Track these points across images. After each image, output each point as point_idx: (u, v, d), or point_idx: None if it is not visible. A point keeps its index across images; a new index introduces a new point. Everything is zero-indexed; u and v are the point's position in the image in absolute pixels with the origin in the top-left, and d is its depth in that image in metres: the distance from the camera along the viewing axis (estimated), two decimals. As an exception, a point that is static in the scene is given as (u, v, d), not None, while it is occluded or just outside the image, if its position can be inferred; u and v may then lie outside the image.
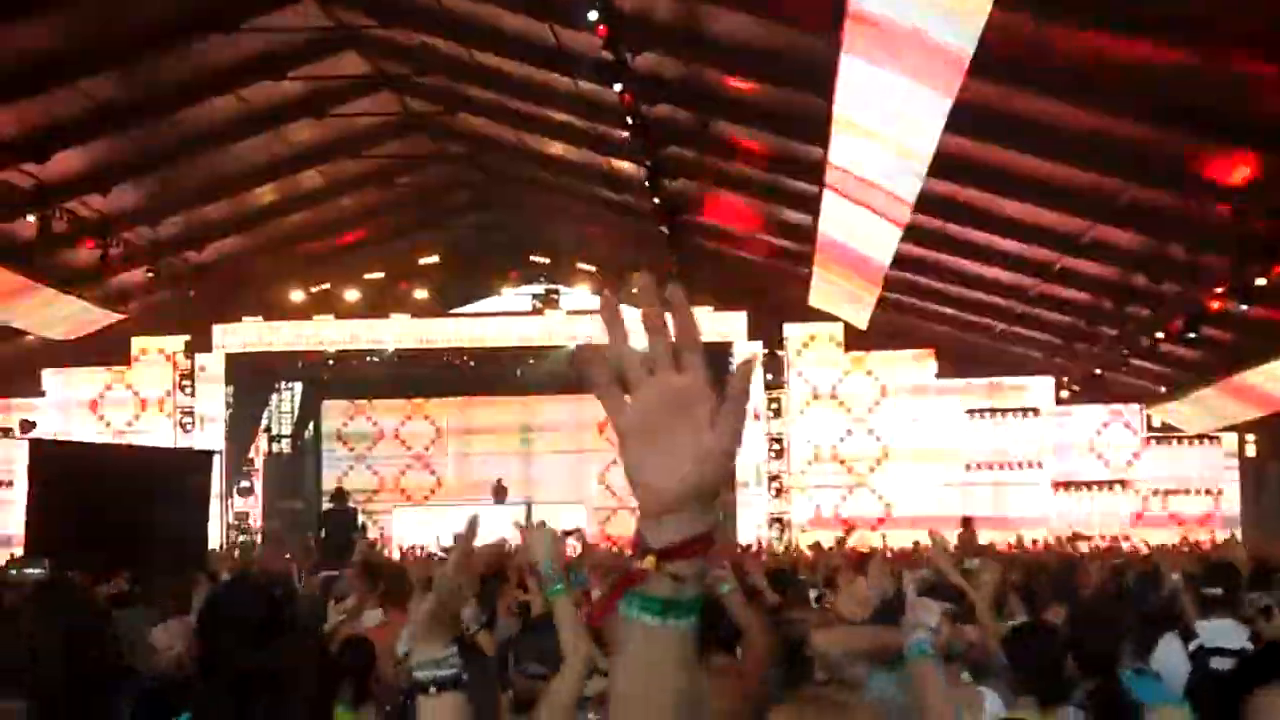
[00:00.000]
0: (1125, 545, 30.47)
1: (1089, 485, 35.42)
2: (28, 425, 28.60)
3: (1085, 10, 16.56)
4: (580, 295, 38.91)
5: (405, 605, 9.45)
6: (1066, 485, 35.41)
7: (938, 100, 18.55)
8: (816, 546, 25.27)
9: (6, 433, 32.70)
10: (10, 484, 28.59)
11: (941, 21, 16.45)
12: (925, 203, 23.37)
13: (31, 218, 27.18)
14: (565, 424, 39.45)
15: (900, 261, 27.66)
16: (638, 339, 1.85)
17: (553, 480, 39.09)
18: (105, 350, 35.80)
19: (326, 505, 33.10)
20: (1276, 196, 19.68)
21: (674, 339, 1.87)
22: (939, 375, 35.81)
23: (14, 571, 17.97)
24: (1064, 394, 35.40)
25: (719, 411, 1.82)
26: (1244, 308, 23.73)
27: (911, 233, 25.34)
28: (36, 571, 15.95)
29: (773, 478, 36.23)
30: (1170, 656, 8.29)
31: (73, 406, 36.04)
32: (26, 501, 20.37)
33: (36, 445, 21.59)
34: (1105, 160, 20.71)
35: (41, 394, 36.16)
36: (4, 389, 35.36)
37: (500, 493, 36.45)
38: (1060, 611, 9.61)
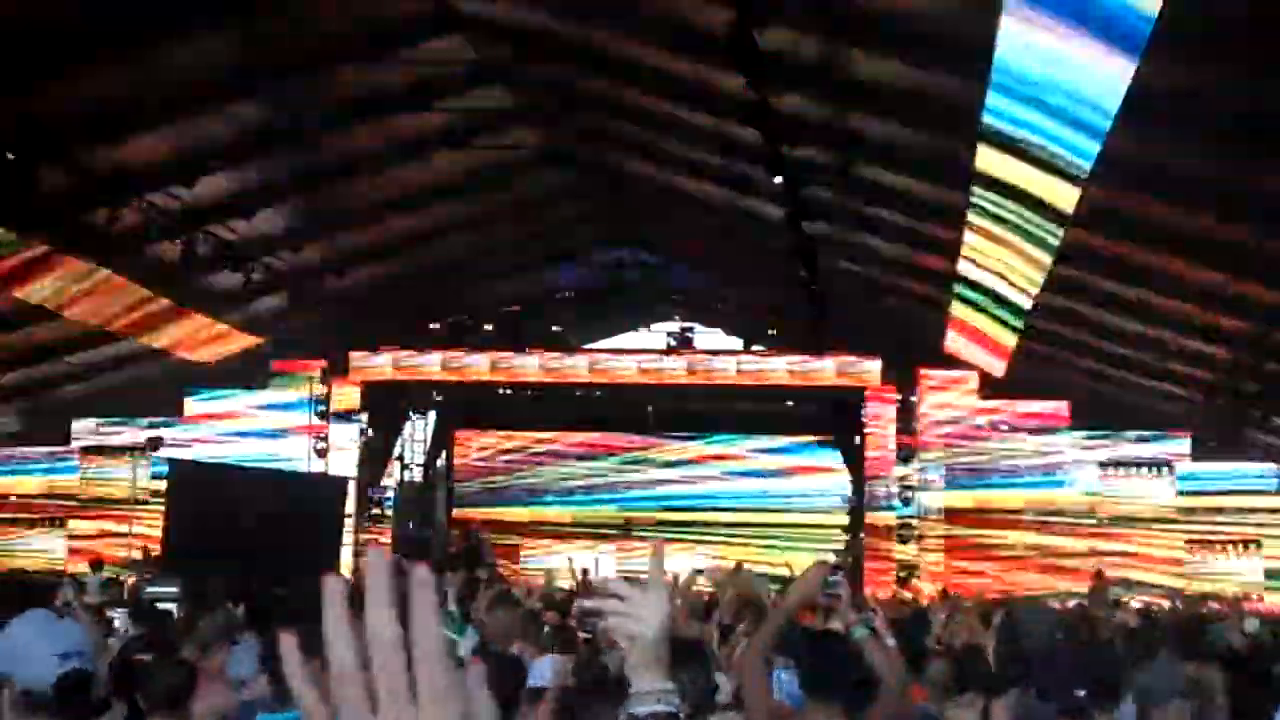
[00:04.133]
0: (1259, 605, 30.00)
1: (1223, 544, 34.86)
2: (156, 443, 28.92)
3: (1238, 60, 16.37)
4: (717, 336, 38.96)
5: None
6: (1200, 543, 34.87)
7: (1083, 149, 18.43)
8: (943, 594, 25.13)
9: (141, 451, 33.07)
10: (145, 502, 28.92)
11: (1089, 72, 16.36)
12: (1066, 253, 23.19)
13: (176, 241, 27.60)
14: (695, 462, 39.43)
15: (1038, 310, 27.47)
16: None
17: (677, 518, 39.01)
18: (244, 374, 36.27)
19: (456, 535, 33.38)
20: None
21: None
22: (1073, 427, 35.42)
23: (149, 589, 18.23)
24: (1199, 449, 34.91)
25: None
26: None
27: (1051, 282, 25.16)
28: (170, 590, 16.14)
29: (903, 524, 35.97)
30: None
31: (211, 428, 36.40)
32: (163, 520, 20.64)
33: (175, 466, 21.85)
34: (1249, 214, 20.47)
35: (181, 415, 36.61)
36: (145, 409, 35.76)
37: (629, 530, 36.54)
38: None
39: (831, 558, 31.20)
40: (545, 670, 8.13)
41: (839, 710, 6.63)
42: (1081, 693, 5.92)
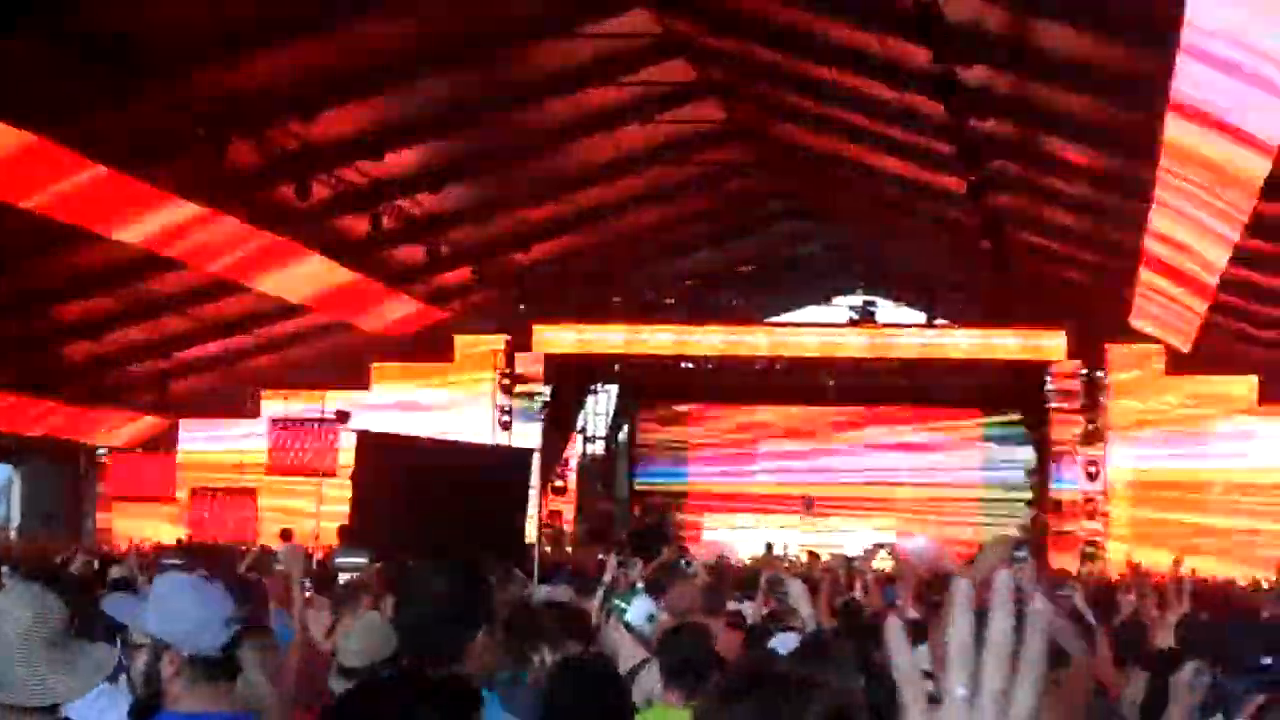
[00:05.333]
0: None
1: None
2: (344, 415, 29.33)
3: None
4: (898, 309, 38.82)
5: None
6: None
7: (1276, 119, 18.15)
8: (1134, 567, 24.89)
9: (330, 422, 33.55)
10: (334, 474, 29.35)
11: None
12: (1256, 226, 22.84)
13: (363, 215, 28.01)
14: (877, 436, 39.32)
15: (1227, 285, 27.07)
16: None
17: (860, 492, 38.88)
18: (429, 347, 36.71)
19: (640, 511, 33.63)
20: None
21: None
22: (1262, 402, 34.85)
23: (337, 560, 18.55)
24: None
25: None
26: None
27: (1240, 255, 24.78)
28: (360, 560, 16.39)
29: (1087, 500, 35.59)
30: None
31: (396, 400, 36.86)
32: (351, 492, 20.91)
33: (362, 437, 22.13)
34: None
35: (368, 387, 37.15)
36: (333, 381, 36.30)
37: (809, 505, 36.55)
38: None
39: (1015, 533, 31.04)
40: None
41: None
42: (1269, 661, 5.85)
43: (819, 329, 37.83)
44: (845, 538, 34.44)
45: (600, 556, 18.50)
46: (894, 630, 1.65)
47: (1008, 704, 1.55)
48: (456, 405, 36.97)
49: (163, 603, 4.56)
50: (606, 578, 11.43)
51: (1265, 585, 27.33)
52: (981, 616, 1.60)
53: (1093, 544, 35.10)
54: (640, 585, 11.60)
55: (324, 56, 22.04)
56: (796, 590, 9.06)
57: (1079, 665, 6.95)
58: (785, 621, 9.03)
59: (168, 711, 4.47)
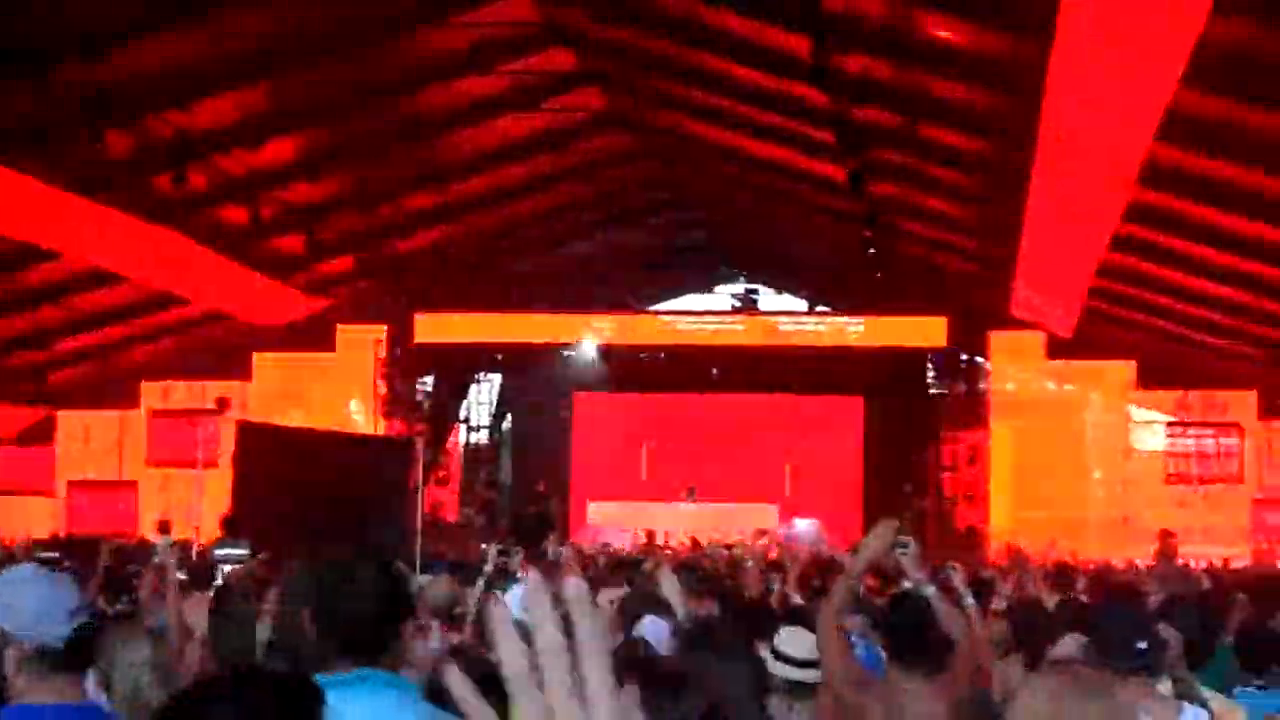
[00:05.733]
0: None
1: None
2: (224, 404, 29.14)
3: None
4: (781, 297, 38.99)
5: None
6: (1268, 502, 34.70)
7: (1149, 109, 18.35)
8: (1014, 550, 25.13)
9: (209, 413, 33.25)
10: (214, 464, 29.09)
11: (1154, 30, 16.28)
12: (1133, 213, 23.09)
13: (242, 205, 27.77)
14: (760, 423, 39.41)
15: (1106, 271, 27.36)
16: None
17: (743, 480, 38.94)
18: (310, 337, 36.45)
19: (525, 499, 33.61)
20: None
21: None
22: (1140, 387, 35.23)
23: (217, 551, 18.38)
24: (1268, 408, 34.70)
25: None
26: None
27: (1118, 242, 25.06)
28: (238, 552, 16.25)
29: (968, 485, 35.88)
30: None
31: (277, 390, 36.60)
32: (231, 482, 20.77)
33: (243, 427, 21.99)
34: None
35: (249, 377, 36.86)
36: (214, 371, 36.01)
37: (691, 493, 36.62)
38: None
39: (897, 520, 31.21)
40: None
41: (920, 674, 6.68)
42: (1143, 646, 5.93)
43: (701, 317, 37.88)
44: (729, 525, 34.47)
45: (483, 546, 18.46)
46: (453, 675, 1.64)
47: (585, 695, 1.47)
48: (338, 395, 36.77)
49: (4, 595, 4.51)
50: (487, 568, 11.40)
51: (1142, 567, 27.63)
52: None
53: (973, 528, 35.39)
54: (520, 575, 11.57)
55: (201, 45, 21.78)
56: (668, 582, 9.03)
57: (963, 650, 7.01)
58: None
59: (12, 705, 4.40)
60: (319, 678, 3.75)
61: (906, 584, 7.82)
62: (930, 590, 7.37)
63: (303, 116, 25.91)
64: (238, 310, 34.03)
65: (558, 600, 1.50)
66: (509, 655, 1.49)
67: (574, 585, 1.50)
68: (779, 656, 7.34)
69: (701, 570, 12.57)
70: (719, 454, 38.49)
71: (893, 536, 7.58)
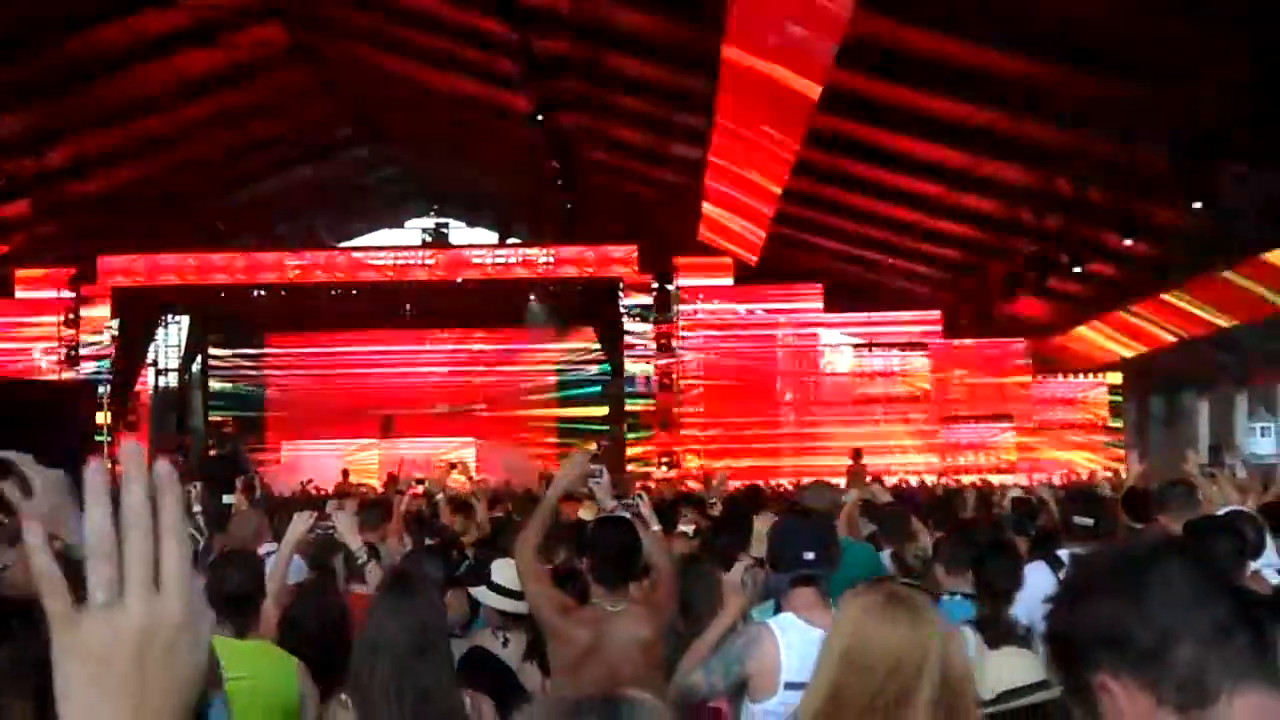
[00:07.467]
0: (1009, 479, 30.68)
1: (974, 419, 35.62)
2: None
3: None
4: (472, 231, 38.91)
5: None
6: (953, 419, 35.59)
7: (827, 35, 18.62)
8: (709, 474, 25.47)
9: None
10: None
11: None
12: (815, 138, 23.45)
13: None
14: (451, 356, 39.38)
15: (790, 196, 27.76)
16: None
17: (437, 411, 38.87)
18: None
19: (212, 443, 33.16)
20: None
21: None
22: (827, 309, 35.78)
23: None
24: (951, 328, 35.49)
25: None
26: (1128, 243, 24.10)
27: (801, 168, 25.43)
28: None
29: (662, 411, 36.17)
30: (1040, 585, 8.40)
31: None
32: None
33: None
34: (994, 96, 20.87)
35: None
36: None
37: (387, 427, 36.48)
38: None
39: (593, 447, 31.43)
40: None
41: (623, 594, 6.76)
42: (811, 556, 6.07)
43: (392, 252, 37.61)
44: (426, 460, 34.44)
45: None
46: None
47: (156, 581, 1.48)
48: (19, 341, 35.76)
49: None
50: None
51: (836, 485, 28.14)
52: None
53: (670, 454, 35.74)
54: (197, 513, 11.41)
55: None
56: (343, 521, 9.02)
57: (665, 576, 7.10)
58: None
59: None
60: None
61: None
62: (636, 506, 7.49)
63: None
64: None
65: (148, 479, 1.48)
66: (97, 517, 1.46)
67: (163, 466, 1.49)
68: (491, 587, 7.41)
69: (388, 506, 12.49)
70: (416, 387, 38.46)
71: (585, 464, 7.63)
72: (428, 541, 10.96)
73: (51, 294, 35.91)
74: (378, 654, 5.08)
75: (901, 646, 3.81)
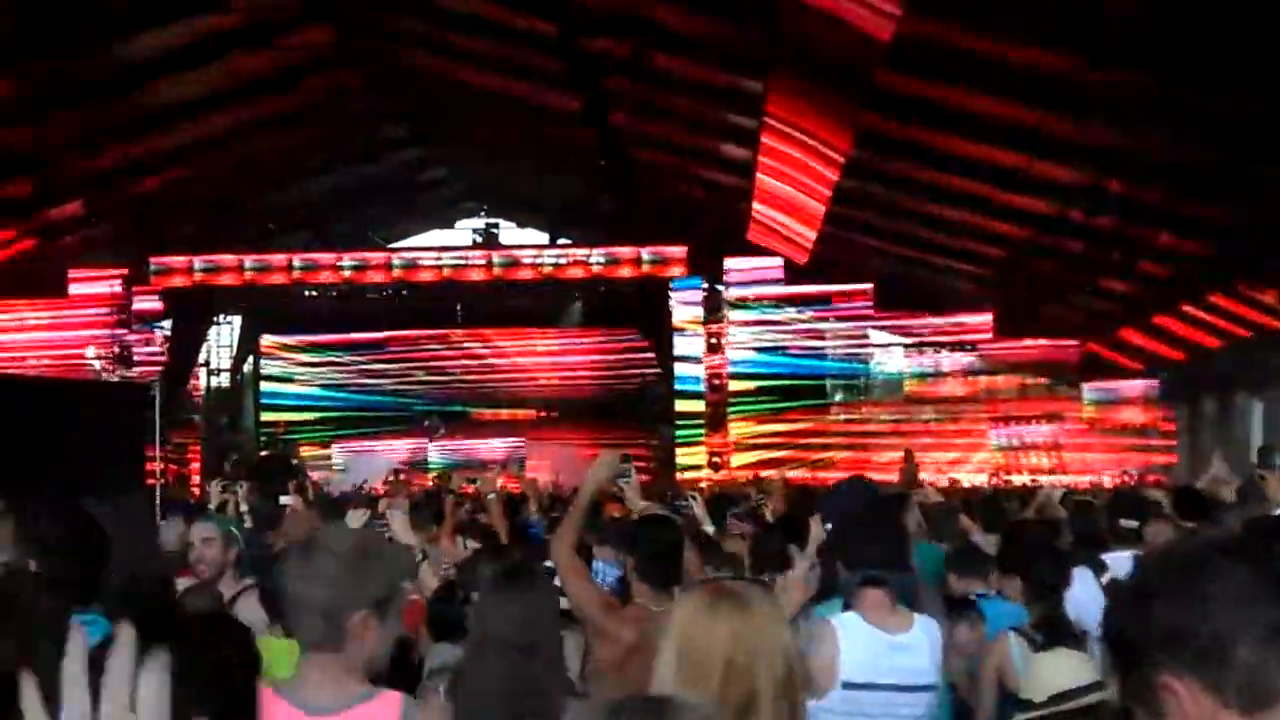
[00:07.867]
0: (1058, 479, 30.54)
1: (1024, 420, 35.48)
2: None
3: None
4: (522, 232, 38.95)
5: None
6: (1003, 420, 35.45)
7: (879, 32, 18.57)
8: (757, 476, 25.44)
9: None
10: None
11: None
12: (864, 138, 23.38)
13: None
14: (501, 357, 39.45)
15: (840, 196, 27.68)
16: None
17: (486, 411, 38.95)
18: (41, 282, 35.52)
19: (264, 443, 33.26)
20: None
21: None
22: (877, 309, 35.70)
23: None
24: (1001, 328, 35.34)
25: None
26: (1179, 243, 23.99)
27: (851, 168, 25.36)
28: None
29: (712, 413, 36.12)
30: (1084, 589, 8.33)
31: (6, 339, 35.66)
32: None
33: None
34: (1044, 96, 20.77)
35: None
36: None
37: (436, 429, 36.57)
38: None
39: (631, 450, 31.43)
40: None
41: (669, 595, 6.70)
42: (883, 556, 6.04)
43: (443, 252, 37.64)
44: (474, 458, 34.53)
45: (208, 486, 18.25)
46: None
47: None
48: (72, 342, 35.92)
49: None
50: (212, 504, 11.28)
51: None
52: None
53: (718, 455, 35.70)
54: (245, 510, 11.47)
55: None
56: (398, 520, 9.02)
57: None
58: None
59: None
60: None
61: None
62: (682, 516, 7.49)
63: (28, 57, 25.14)
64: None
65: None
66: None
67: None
68: None
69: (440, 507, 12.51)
70: (466, 388, 38.56)
71: (616, 466, 7.63)
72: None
73: (105, 292, 36.11)
74: (486, 651, 5.05)
75: (730, 645, 3.68)
